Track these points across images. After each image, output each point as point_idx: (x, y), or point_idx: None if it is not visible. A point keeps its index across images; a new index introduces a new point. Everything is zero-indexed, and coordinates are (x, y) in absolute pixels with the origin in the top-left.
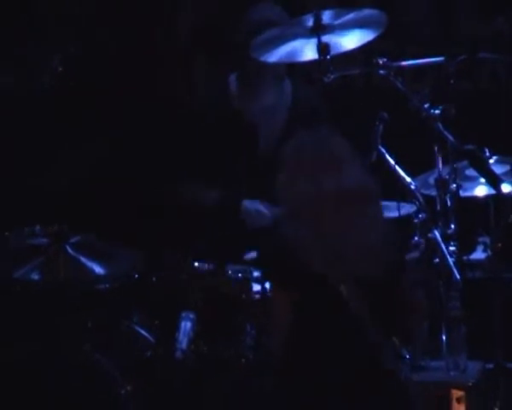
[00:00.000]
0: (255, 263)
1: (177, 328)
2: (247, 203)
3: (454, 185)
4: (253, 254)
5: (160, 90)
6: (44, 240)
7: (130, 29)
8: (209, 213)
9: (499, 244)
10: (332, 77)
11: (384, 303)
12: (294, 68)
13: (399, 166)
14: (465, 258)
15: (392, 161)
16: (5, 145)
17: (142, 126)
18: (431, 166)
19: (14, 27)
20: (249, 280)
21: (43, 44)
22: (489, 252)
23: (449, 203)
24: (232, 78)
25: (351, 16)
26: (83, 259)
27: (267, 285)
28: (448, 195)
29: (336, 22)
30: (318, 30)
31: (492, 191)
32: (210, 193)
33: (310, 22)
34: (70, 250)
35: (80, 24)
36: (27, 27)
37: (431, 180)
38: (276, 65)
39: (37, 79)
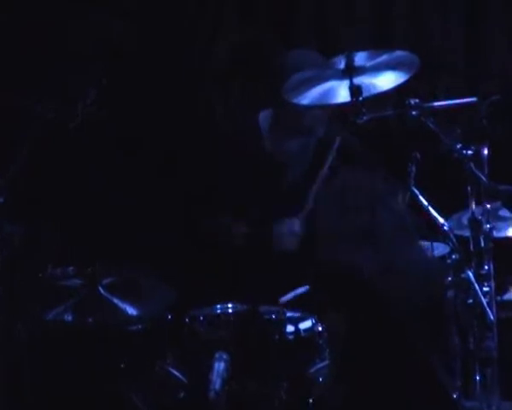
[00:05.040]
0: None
1: (210, 369)
2: (277, 226)
3: (487, 226)
4: (288, 297)
5: (196, 115)
6: (77, 281)
7: (167, 50)
8: (238, 248)
9: None
10: (364, 119)
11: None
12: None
13: (432, 207)
14: (499, 298)
15: (425, 202)
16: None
17: (176, 153)
18: (464, 206)
19: (52, 59)
20: (283, 321)
21: (80, 77)
22: None
23: (482, 244)
24: (264, 114)
25: (383, 58)
26: (115, 300)
27: (301, 326)
28: (482, 235)
29: (368, 64)
30: (350, 72)
31: None
32: (238, 227)
33: (342, 64)
34: (102, 291)
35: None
36: (64, 60)
37: (464, 221)
38: (311, 109)
39: (75, 111)
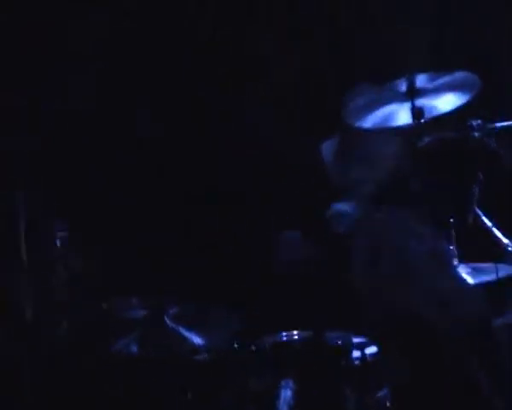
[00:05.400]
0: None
1: (277, 396)
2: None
3: None
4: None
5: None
6: (142, 312)
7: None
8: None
9: None
10: (426, 140)
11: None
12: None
13: (496, 228)
14: None
15: (489, 223)
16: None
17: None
18: None
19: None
20: (348, 346)
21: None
22: None
23: None
24: (327, 143)
25: (444, 80)
26: (181, 330)
27: (367, 351)
28: None
29: (430, 86)
30: (412, 94)
31: None
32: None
33: (403, 87)
34: (168, 322)
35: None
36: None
37: None
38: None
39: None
